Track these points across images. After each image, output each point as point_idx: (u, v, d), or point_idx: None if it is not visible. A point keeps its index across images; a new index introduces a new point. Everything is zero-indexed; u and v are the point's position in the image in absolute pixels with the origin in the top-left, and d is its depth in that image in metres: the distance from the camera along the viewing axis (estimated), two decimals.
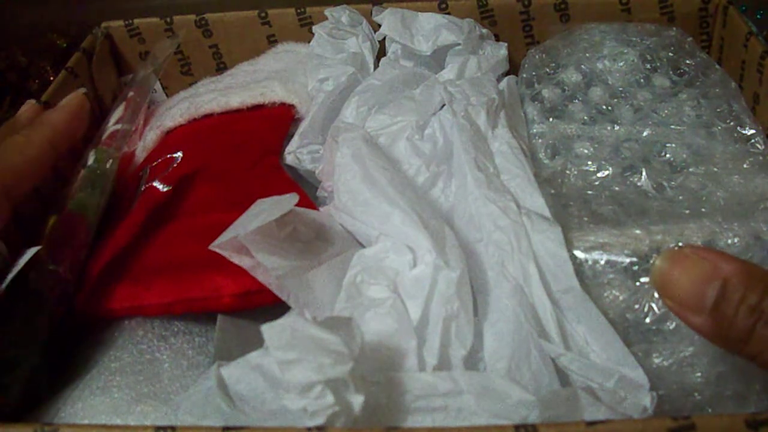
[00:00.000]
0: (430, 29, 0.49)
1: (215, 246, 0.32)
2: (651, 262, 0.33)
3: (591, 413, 0.26)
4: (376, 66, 0.50)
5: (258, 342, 0.27)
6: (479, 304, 0.33)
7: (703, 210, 0.36)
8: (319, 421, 0.24)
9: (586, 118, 0.43)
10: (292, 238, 0.35)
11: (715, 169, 0.39)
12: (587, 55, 0.46)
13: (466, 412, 0.26)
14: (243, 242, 0.32)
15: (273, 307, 0.33)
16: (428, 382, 0.27)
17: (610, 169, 0.40)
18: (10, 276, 0.34)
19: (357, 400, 0.25)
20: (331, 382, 0.25)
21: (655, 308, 0.32)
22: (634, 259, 0.33)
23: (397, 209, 0.34)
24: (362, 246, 0.37)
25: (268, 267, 0.32)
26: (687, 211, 0.36)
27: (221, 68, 0.56)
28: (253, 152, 0.44)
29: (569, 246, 0.34)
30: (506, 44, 0.51)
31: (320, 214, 0.38)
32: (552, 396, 0.26)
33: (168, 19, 0.54)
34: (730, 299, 0.25)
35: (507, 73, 0.50)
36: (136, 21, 0.54)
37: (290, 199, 0.34)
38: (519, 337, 0.31)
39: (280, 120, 0.47)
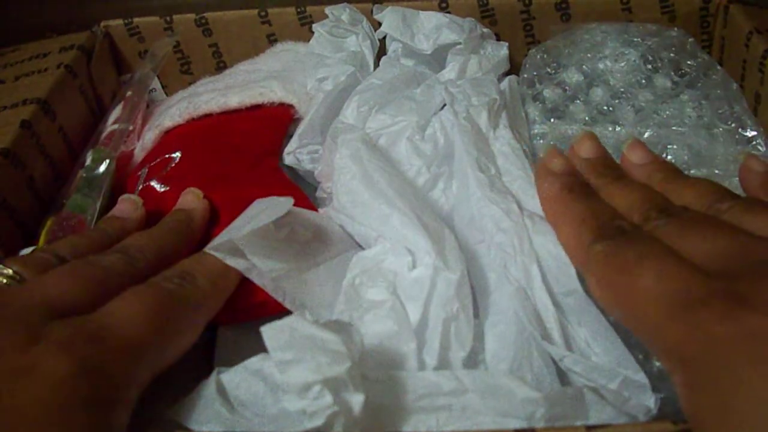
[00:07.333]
0: (431, 28, 0.48)
1: (210, 248, 0.32)
2: None
3: (596, 412, 0.26)
4: (376, 65, 0.50)
5: (258, 351, 0.27)
6: (481, 306, 0.33)
7: None
8: (318, 422, 0.24)
9: (587, 118, 0.43)
10: (290, 240, 0.34)
11: (717, 171, 0.39)
12: (588, 55, 0.46)
13: (470, 410, 0.26)
14: (237, 245, 0.32)
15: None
16: (431, 380, 0.27)
17: None
18: None
19: (357, 400, 0.25)
20: (329, 382, 0.24)
21: None
22: None
23: (396, 211, 0.34)
24: (361, 248, 0.37)
25: (263, 270, 0.32)
26: None
27: (221, 67, 0.55)
28: (252, 152, 0.43)
29: None
30: (507, 44, 0.50)
31: (318, 215, 0.38)
32: (558, 394, 0.26)
33: (168, 18, 0.54)
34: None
35: (507, 73, 0.49)
36: (136, 20, 0.54)
37: (286, 202, 0.34)
38: (521, 339, 0.30)
39: (278, 120, 0.47)
